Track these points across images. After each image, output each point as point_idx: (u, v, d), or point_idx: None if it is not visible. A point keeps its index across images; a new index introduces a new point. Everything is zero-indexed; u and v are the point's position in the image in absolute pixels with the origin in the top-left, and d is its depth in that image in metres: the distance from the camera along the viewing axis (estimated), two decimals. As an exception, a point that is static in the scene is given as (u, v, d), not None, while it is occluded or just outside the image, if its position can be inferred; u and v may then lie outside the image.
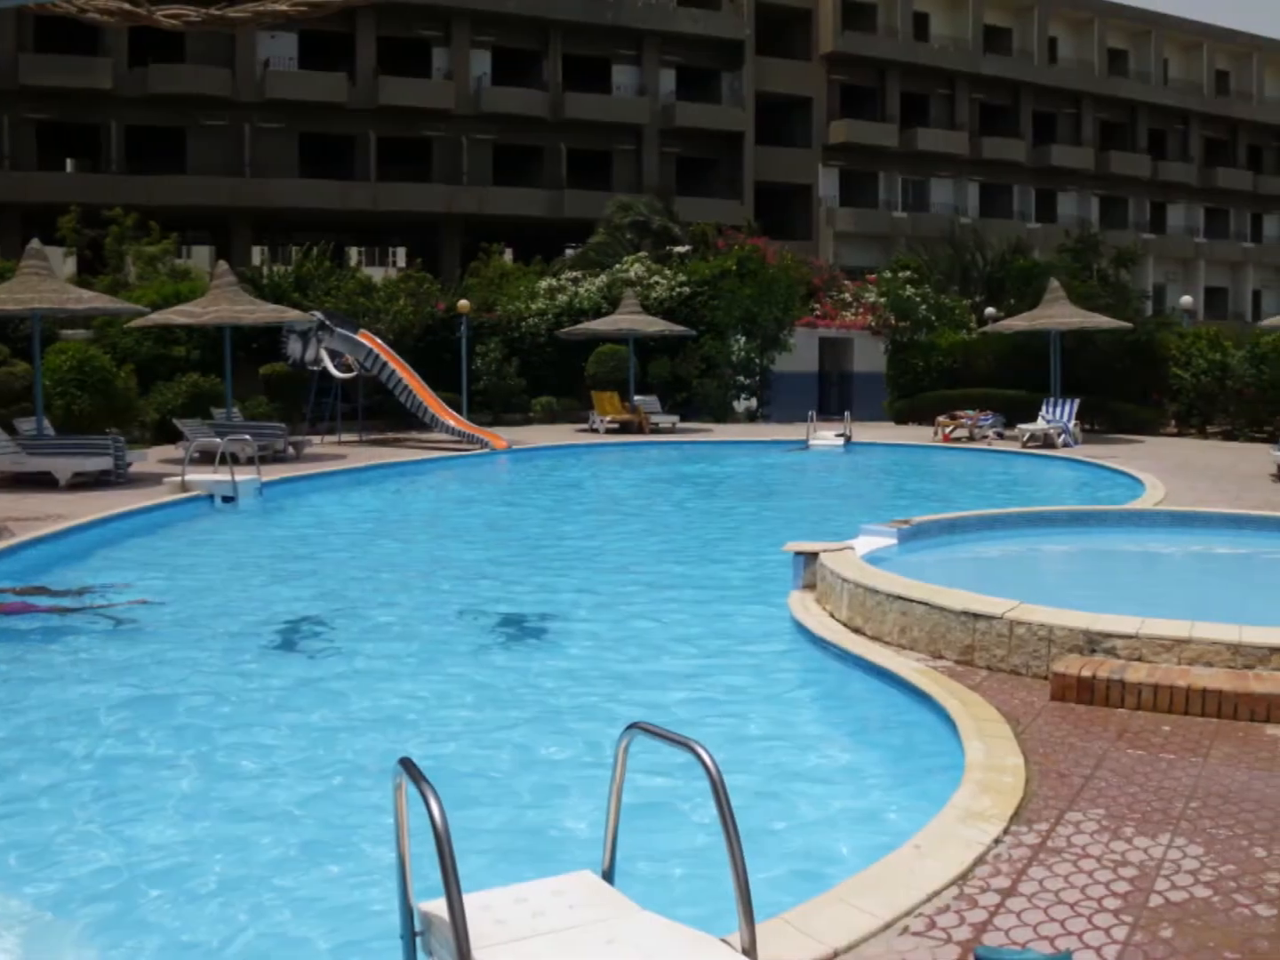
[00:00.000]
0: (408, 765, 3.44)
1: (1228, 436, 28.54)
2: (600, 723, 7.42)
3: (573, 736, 7.31)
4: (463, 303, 30.51)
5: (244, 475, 17.96)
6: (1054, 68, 67.81)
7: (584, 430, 30.40)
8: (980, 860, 4.93)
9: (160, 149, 49.16)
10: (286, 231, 54.98)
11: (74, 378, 22.70)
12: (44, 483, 18.37)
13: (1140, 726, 6.67)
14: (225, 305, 23.15)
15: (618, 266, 36.85)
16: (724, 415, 34.30)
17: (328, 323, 26.12)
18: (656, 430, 30.01)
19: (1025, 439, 25.87)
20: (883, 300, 36.67)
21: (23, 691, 8.26)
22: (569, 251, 48.81)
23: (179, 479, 17.68)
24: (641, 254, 38.01)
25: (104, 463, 18.86)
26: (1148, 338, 29.81)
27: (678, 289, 34.95)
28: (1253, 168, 75.73)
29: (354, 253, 58.90)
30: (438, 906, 3.39)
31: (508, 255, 49.87)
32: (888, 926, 4.35)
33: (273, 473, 19.68)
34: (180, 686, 8.40)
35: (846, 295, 39.40)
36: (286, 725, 7.55)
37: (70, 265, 43.83)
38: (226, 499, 17.30)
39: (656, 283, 35.15)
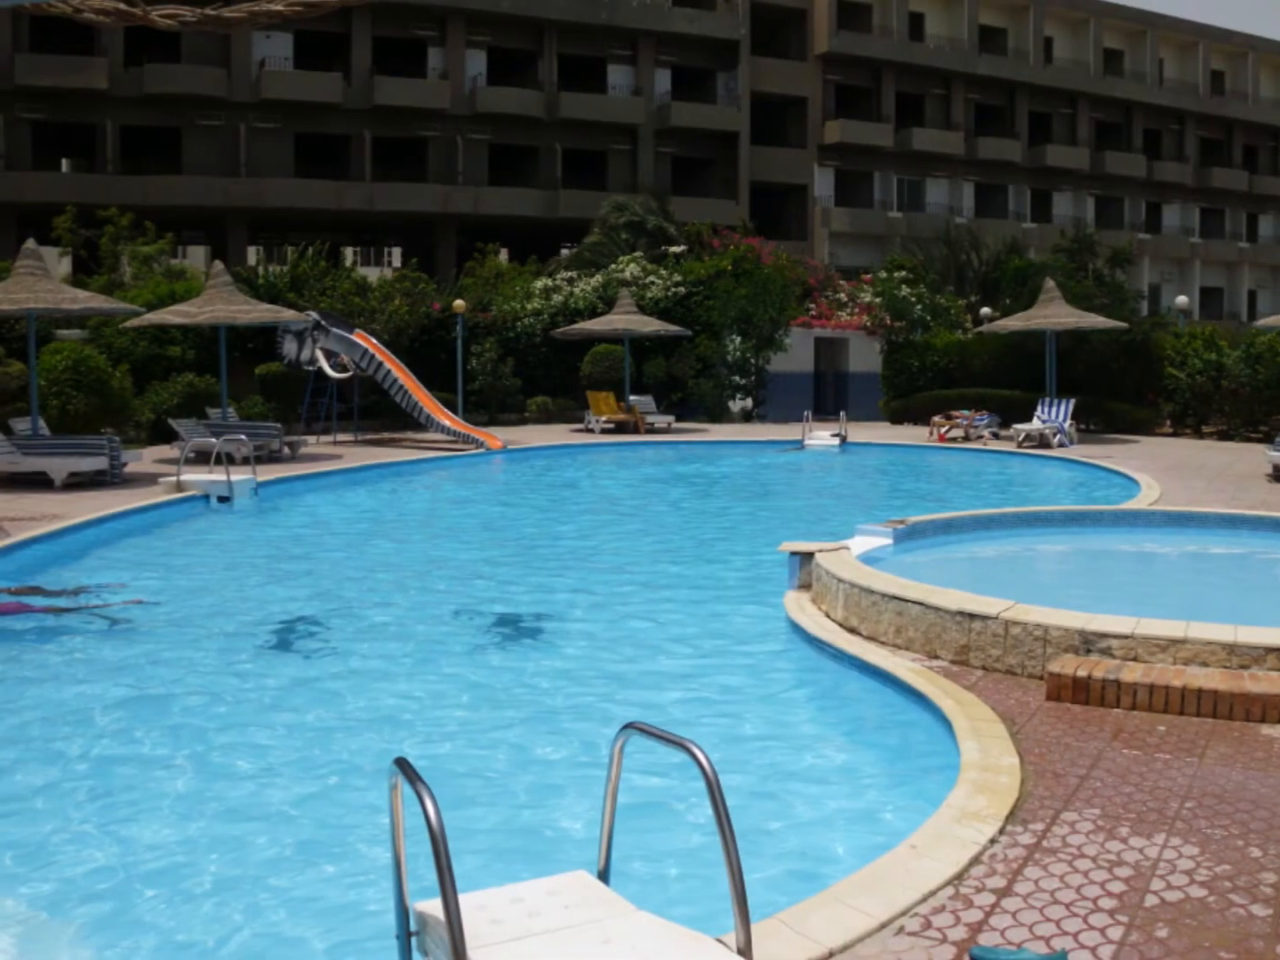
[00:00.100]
0: (403, 765, 3.44)
1: (1223, 436, 28.58)
2: (596, 723, 7.43)
3: (568, 736, 7.31)
4: (458, 303, 30.53)
5: (239, 475, 17.95)
6: (1049, 68, 67.87)
7: (579, 430, 30.40)
8: (976, 860, 4.93)
9: (156, 149, 49.17)
10: (282, 231, 54.99)
11: (69, 378, 22.67)
12: (39, 483, 18.36)
13: (1136, 726, 6.67)
14: (221, 305, 23.14)
15: (613, 266, 36.86)
16: (719, 415, 34.33)
17: (323, 323, 26.10)
18: (652, 430, 30.02)
19: (1021, 439, 25.90)
20: (878, 300, 36.69)
21: (18, 691, 8.25)
22: (564, 251, 48.86)
23: (174, 479, 17.66)
24: (637, 254, 38.03)
25: (99, 463, 18.85)
26: (1143, 338, 29.84)
27: (673, 289, 34.96)
28: (1248, 168, 75.85)
29: (349, 252, 58.90)
30: (433, 906, 3.39)
31: (503, 255, 49.87)
32: (883, 926, 4.35)
33: (268, 473, 19.68)
34: (175, 686, 8.39)
35: (842, 295, 39.45)
36: (282, 725, 7.54)
37: (65, 265, 43.85)
38: (222, 499, 17.29)
39: (652, 283, 35.17)
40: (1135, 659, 7.37)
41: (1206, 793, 5.70)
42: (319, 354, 26.12)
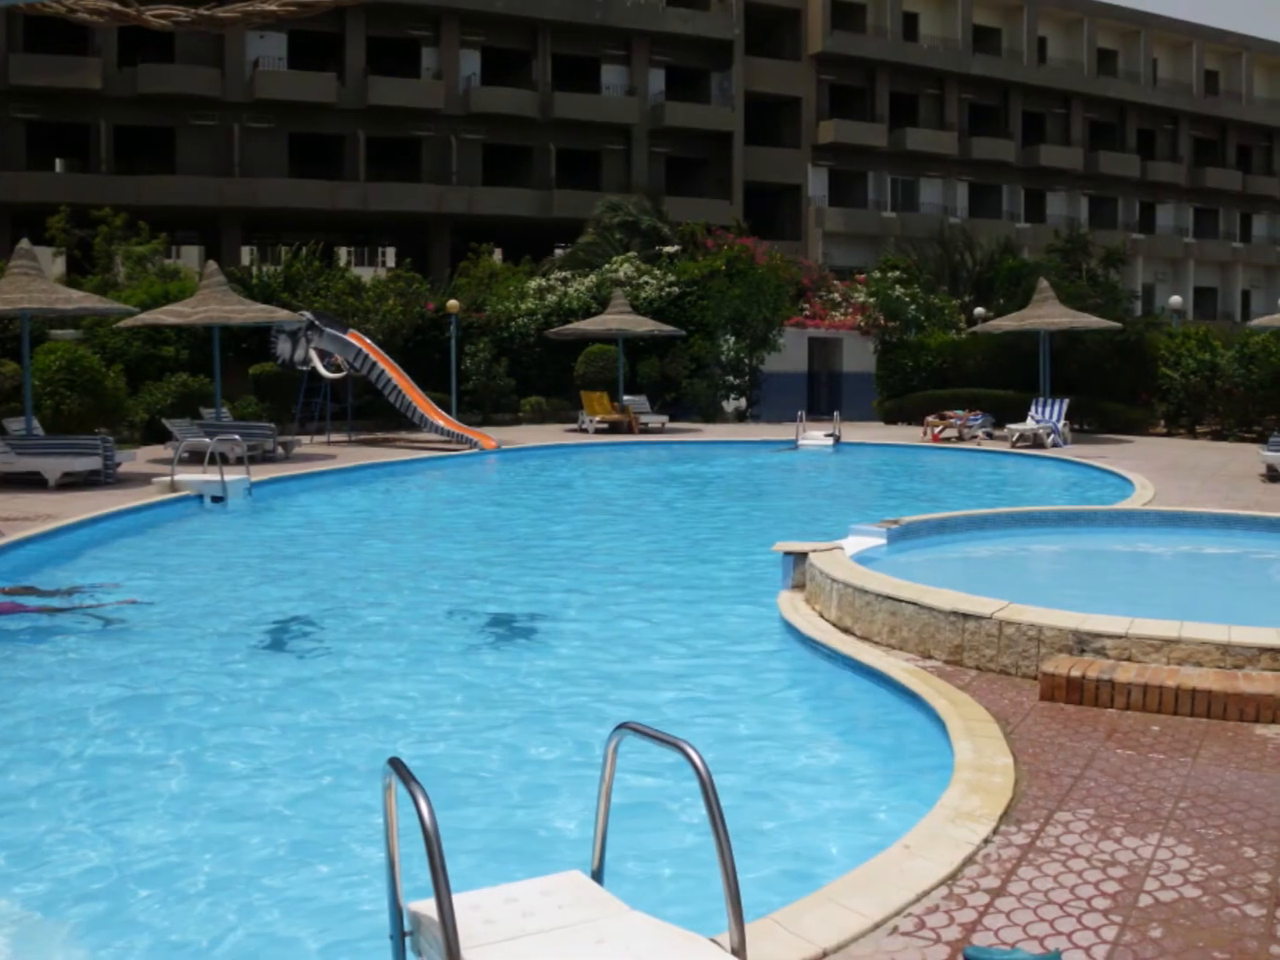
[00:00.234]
0: (397, 765, 3.44)
1: (1217, 436, 28.61)
2: (589, 723, 7.43)
3: (562, 736, 7.31)
4: (452, 303, 30.53)
5: (233, 475, 17.94)
6: (1043, 68, 67.92)
7: (573, 430, 30.40)
8: (969, 860, 4.93)
9: (149, 149, 49.07)
10: (276, 231, 54.87)
11: (63, 378, 22.62)
12: (33, 483, 18.33)
13: (1129, 726, 6.68)
14: (214, 305, 23.13)
15: (607, 266, 36.84)
16: (713, 415, 34.33)
17: (317, 323, 26.08)
18: (646, 430, 30.02)
19: (1014, 439, 25.92)
20: (872, 300, 36.69)
21: (11, 691, 8.24)
22: (558, 251, 48.81)
23: (168, 479, 17.64)
24: (630, 254, 38.01)
25: (93, 463, 18.82)
26: (1137, 338, 29.87)
27: (667, 289, 34.95)
28: (1242, 168, 75.94)
29: (343, 253, 58.76)
30: (427, 906, 3.39)
31: (497, 255, 49.82)
32: (877, 926, 4.35)
33: (262, 473, 19.66)
34: (169, 686, 8.39)
35: (835, 295, 39.45)
36: (276, 725, 7.54)
37: (59, 265, 43.75)
38: (215, 499, 17.27)
39: (646, 283, 35.16)
40: (1129, 659, 7.38)
41: (1200, 793, 5.70)
42: (313, 354, 26.09)
